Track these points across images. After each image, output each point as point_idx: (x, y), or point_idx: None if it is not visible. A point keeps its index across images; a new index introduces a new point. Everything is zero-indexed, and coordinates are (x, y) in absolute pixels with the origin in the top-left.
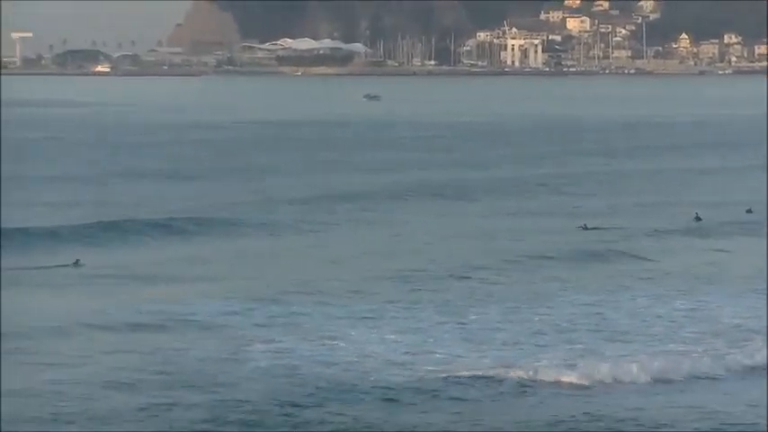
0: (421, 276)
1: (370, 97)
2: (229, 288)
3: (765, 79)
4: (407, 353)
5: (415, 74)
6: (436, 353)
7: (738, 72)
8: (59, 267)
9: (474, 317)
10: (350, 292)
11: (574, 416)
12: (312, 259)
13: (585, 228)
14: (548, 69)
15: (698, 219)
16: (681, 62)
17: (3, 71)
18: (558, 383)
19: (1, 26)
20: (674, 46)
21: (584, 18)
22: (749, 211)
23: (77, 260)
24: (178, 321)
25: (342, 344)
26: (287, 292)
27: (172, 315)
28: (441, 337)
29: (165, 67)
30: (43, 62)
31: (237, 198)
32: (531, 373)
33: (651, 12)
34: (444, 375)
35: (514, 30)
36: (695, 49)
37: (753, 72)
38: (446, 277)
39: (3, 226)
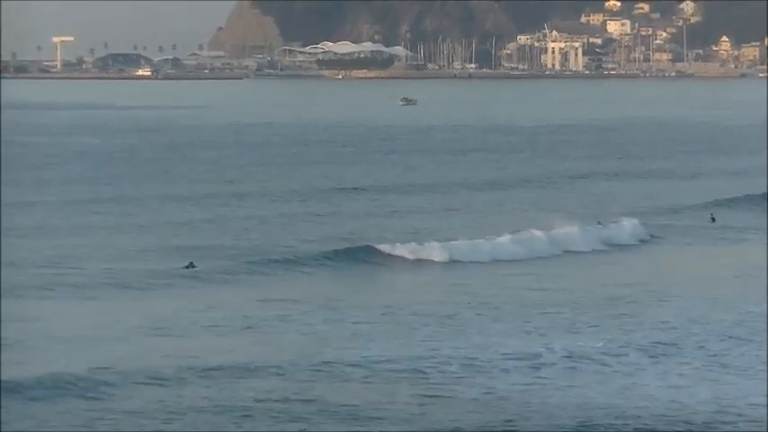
0: None
1: (406, 101)
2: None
3: None
4: None
5: (455, 77)
6: None
7: None
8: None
9: None
10: None
11: None
12: None
13: None
14: (588, 72)
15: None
16: (722, 65)
17: (46, 75)
18: None
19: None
20: (715, 49)
21: (624, 21)
22: (713, 220)
23: (191, 263)
24: None
25: None
26: None
27: None
28: None
29: (207, 71)
30: (84, 66)
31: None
32: None
33: (692, 15)
34: None
35: (555, 33)
36: (736, 52)
37: None
38: None
39: None
